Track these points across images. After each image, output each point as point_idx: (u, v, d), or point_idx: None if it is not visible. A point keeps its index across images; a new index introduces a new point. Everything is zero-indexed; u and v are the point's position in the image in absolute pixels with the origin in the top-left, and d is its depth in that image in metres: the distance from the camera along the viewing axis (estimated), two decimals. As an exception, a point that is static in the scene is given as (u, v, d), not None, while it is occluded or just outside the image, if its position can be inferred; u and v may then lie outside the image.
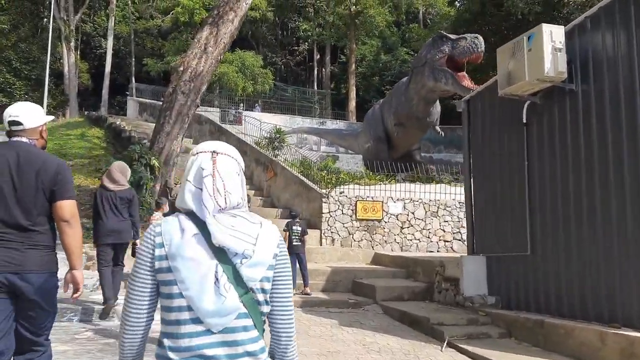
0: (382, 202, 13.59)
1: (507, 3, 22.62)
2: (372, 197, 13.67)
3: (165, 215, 7.29)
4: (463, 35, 15.10)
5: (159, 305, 1.82)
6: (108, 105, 39.85)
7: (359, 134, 23.58)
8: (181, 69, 15.99)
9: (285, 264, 1.87)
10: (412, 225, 13.67)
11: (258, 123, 23.25)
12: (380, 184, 14.40)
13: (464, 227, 13.79)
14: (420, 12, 45.61)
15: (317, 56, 45.33)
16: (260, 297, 1.78)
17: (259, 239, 1.78)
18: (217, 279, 1.69)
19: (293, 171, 15.76)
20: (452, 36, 15.31)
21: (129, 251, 7.82)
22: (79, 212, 3.51)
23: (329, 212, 13.39)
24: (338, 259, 12.47)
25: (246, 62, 34.66)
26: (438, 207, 13.84)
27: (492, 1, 25.32)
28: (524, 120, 8.56)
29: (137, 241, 7.94)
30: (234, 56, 34.96)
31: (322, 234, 13.10)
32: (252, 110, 32.32)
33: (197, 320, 1.69)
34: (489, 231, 9.29)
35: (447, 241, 13.78)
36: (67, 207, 3.21)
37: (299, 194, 15.00)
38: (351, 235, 13.43)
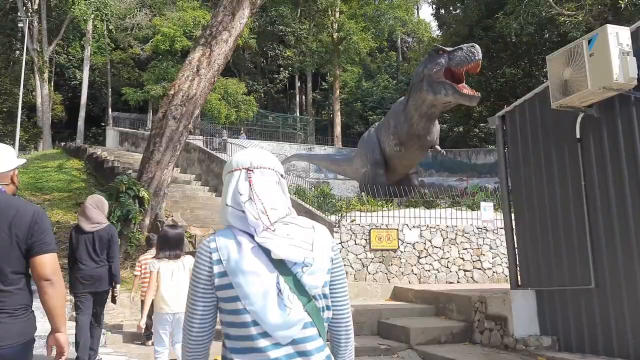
0: (398, 229, 12.35)
1: (499, 24, 21.99)
2: (387, 225, 12.41)
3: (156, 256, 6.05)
4: (459, 46, 14.21)
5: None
6: (84, 136, 38.12)
7: (353, 159, 22.44)
8: (172, 92, 14.66)
9: (340, 266, 1.89)
10: (429, 255, 12.43)
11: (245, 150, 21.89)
12: (391, 210, 13.18)
13: (484, 254, 12.65)
14: (399, 39, 45.39)
15: (298, 83, 44.48)
16: (322, 303, 1.79)
17: (315, 245, 1.77)
18: (279, 291, 1.68)
19: (297, 199, 14.44)
20: (448, 48, 14.40)
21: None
22: (58, 253, 3.04)
23: (341, 242, 12.08)
24: (355, 295, 11.12)
25: (229, 90, 33.52)
26: (456, 234, 12.64)
27: (480, 24, 24.74)
28: (578, 136, 7.46)
29: (117, 287, 6.65)
30: (217, 83, 33.78)
31: (334, 268, 11.75)
32: (236, 138, 31.02)
33: (265, 335, 1.67)
34: (538, 262, 8.08)
35: (467, 271, 12.56)
36: (49, 264, 2.76)
37: (303, 224, 13.65)
38: (365, 268, 12.12)
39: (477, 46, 13.60)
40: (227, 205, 1.83)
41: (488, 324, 8.56)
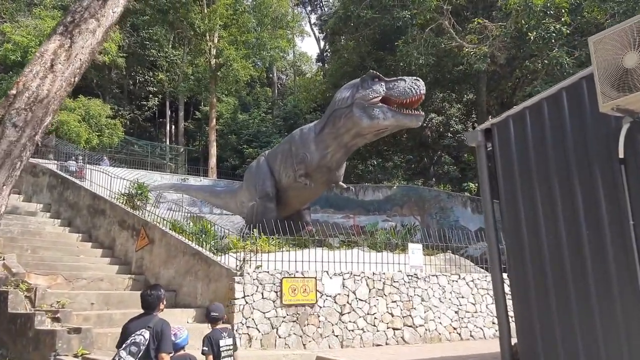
0: (316, 278, 9.23)
1: (399, 53, 20.30)
2: (302, 272, 9.24)
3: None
4: (399, 77, 11.99)
5: None
6: None
7: (237, 191, 18.98)
8: (14, 91, 10.26)
9: None
10: (353, 310, 9.46)
11: (108, 178, 17.43)
12: (297, 251, 10.08)
13: (415, 308, 9.99)
14: (275, 75, 43.14)
15: (169, 112, 39.95)
16: None
17: None
18: None
19: (182, 237, 10.71)
20: (385, 78, 12.06)
21: None
22: None
23: (244, 296, 8.65)
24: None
25: (91, 111, 28.30)
26: (384, 283, 9.86)
27: (372, 55, 23.06)
28: (621, 155, 5.06)
29: None
30: (77, 103, 28.39)
31: (235, 332, 8.26)
32: (97, 165, 25.85)
33: None
34: (548, 338, 5.49)
35: (397, 329, 9.79)
36: None
37: (191, 270, 9.97)
38: (275, 330, 8.77)
39: (422, 81, 11.45)
40: None
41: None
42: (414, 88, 11.18)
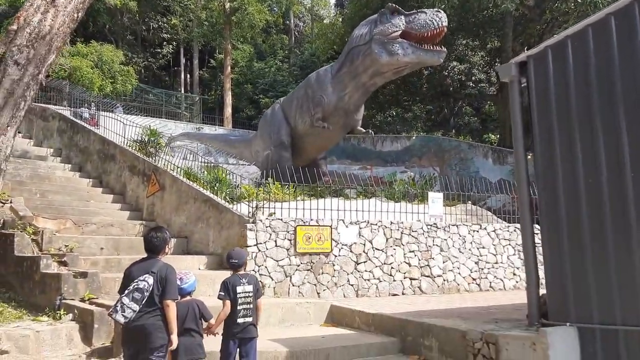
0: (331, 227, 8.86)
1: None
2: (317, 220, 8.87)
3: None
4: (420, 10, 11.19)
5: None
6: None
7: (252, 140, 18.56)
8: (14, 27, 9.79)
9: None
10: (370, 259, 9.12)
11: (121, 125, 17.05)
12: (317, 200, 9.72)
13: (433, 258, 9.61)
14: (292, 21, 41.84)
15: (183, 60, 39.18)
16: None
17: None
18: None
19: (193, 183, 10.39)
20: (404, 11, 11.32)
21: None
22: None
23: (257, 244, 8.33)
24: (280, 320, 7.47)
25: (104, 57, 27.76)
26: (402, 233, 9.46)
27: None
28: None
29: None
30: (89, 49, 27.86)
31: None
32: (111, 112, 25.50)
33: None
34: (583, 285, 5.04)
35: (414, 279, 9.46)
36: None
37: (202, 217, 9.68)
38: (289, 278, 8.50)
39: (443, 12, 10.72)
40: None
41: (498, 377, 5.39)
42: (435, 20, 10.45)
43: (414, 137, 22.99)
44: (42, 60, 9.92)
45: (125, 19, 34.39)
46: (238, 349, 5.00)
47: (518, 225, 10.90)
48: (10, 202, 9.38)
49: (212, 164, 17.65)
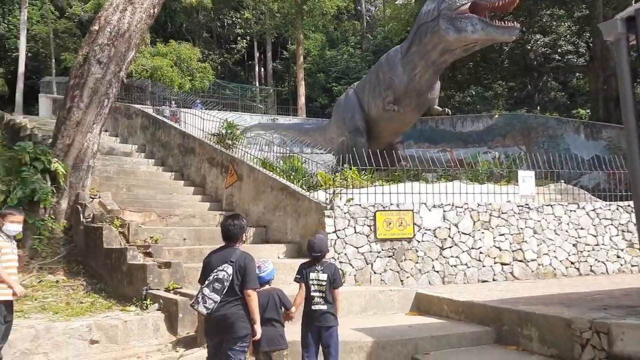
0: (413, 211, 8.43)
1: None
2: (397, 205, 8.47)
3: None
4: None
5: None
6: (27, 112, 32.38)
7: (326, 127, 18.38)
8: (96, 27, 10.11)
9: None
10: (456, 244, 8.60)
11: (200, 119, 17.45)
12: (398, 184, 9.30)
13: (526, 241, 8.92)
14: (363, 5, 41.14)
15: (257, 54, 39.75)
16: None
17: None
18: None
19: (269, 172, 10.33)
20: None
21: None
22: None
23: (335, 231, 8.09)
24: (362, 308, 7.19)
25: (182, 56, 28.64)
26: (490, 215, 8.84)
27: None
28: None
29: None
30: (168, 48, 28.84)
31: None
32: (190, 108, 26.30)
33: None
34: None
35: (505, 264, 8.83)
36: None
37: (280, 205, 9.57)
38: (370, 265, 8.19)
39: None
40: None
41: (613, 371, 4.79)
42: None
43: (496, 116, 21.79)
44: (123, 57, 10.24)
45: (201, 16, 35.33)
46: (319, 340, 4.78)
47: (621, 204, 9.91)
48: (99, 197, 9.74)
49: (288, 154, 17.77)
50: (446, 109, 13.80)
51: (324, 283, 4.75)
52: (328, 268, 4.90)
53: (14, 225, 5.16)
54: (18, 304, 6.76)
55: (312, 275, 4.81)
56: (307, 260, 4.98)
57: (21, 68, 32.34)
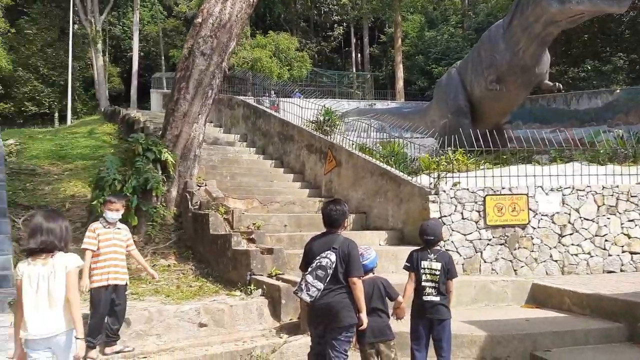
0: (527, 195, 7.77)
1: None
2: (509, 189, 7.86)
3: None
4: None
5: None
6: (140, 107, 34.90)
7: (427, 110, 17.78)
8: (199, 20, 10.40)
9: None
10: (577, 231, 7.82)
11: (298, 108, 17.59)
12: (509, 166, 8.64)
13: (661, 228, 7.88)
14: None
15: (354, 40, 39.51)
16: None
17: None
18: None
19: (369, 157, 10.07)
20: None
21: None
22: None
23: (441, 217, 7.65)
24: (472, 299, 6.75)
25: (280, 46, 29.09)
26: (617, 199, 7.94)
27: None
28: None
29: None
30: (267, 39, 29.44)
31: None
32: (289, 98, 26.68)
33: None
34: None
35: (636, 253, 7.89)
36: None
37: (380, 191, 9.29)
38: (479, 254, 7.68)
39: None
40: None
41: None
42: None
43: (617, 91, 19.76)
44: (225, 48, 10.44)
45: (298, 5, 35.69)
46: (430, 332, 4.47)
47: None
48: (205, 185, 10.06)
49: (386, 139, 17.36)
50: (557, 84, 12.69)
51: (437, 272, 4.42)
52: (442, 257, 4.56)
53: (113, 213, 5.28)
54: (134, 287, 7.15)
55: (424, 263, 4.50)
56: (418, 247, 4.66)
57: (135, 66, 34.82)
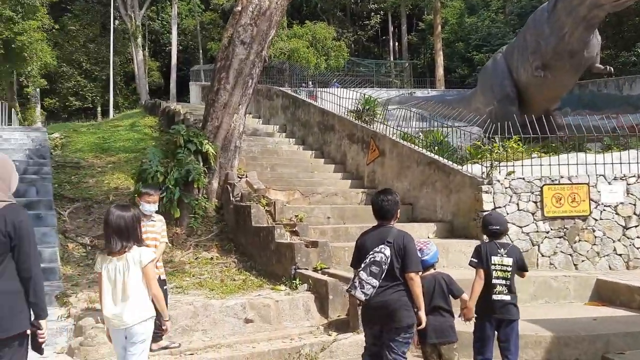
0: (588, 184, 7.26)
1: None
2: (569, 178, 7.36)
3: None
4: None
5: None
6: (180, 100, 35.25)
7: (471, 97, 17.17)
8: (239, 8, 10.20)
9: None
10: (643, 223, 7.28)
11: (336, 97, 17.21)
12: (566, 154, 8.11)
13: None
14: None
15: (391, 28, 38.78)
16: None
17: None
18: None
19: (415, 146, 9.70)
20: None
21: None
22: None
23: (494, 208, 7.23)
24: (531, 296, 6.32)
25: (317, 36, 28.73)
26: (689, 189, 7.35)
27: None
28: None
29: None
30: (304, 29, 29.13)
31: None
32: (327, 87, 26.35)
33: None
34: None
35: None
36: None
37: (427, 181, 8.91)
38: (536, 247, 7.23)
39: None
40: None
41: None
42: None
43: (675, 74, 18.63)
44: (265, 36, 10.20)
45: (334, -6, 35.25)
46: (496, 332, 4.12)
47: None
48: (246, 177, 9.89)
49: (428, 128, 16.81)
50: (608, 67, 12.00)
51: (508, 269, 4.05)
52: (512, 251, 4.18)
53: (151, 205, 5.09)
54: (178, 280, 7.04)
55: (495, 259, 4.11)
56: (486, 242, 4.29)
57: (174, 60, 35.15)
